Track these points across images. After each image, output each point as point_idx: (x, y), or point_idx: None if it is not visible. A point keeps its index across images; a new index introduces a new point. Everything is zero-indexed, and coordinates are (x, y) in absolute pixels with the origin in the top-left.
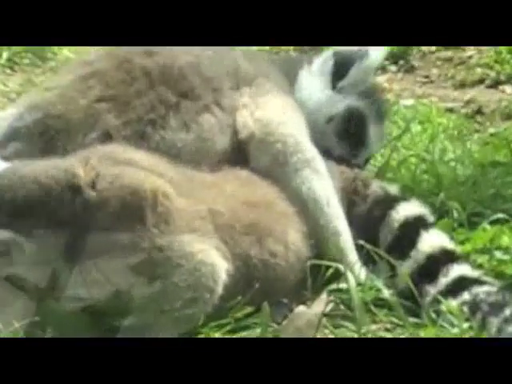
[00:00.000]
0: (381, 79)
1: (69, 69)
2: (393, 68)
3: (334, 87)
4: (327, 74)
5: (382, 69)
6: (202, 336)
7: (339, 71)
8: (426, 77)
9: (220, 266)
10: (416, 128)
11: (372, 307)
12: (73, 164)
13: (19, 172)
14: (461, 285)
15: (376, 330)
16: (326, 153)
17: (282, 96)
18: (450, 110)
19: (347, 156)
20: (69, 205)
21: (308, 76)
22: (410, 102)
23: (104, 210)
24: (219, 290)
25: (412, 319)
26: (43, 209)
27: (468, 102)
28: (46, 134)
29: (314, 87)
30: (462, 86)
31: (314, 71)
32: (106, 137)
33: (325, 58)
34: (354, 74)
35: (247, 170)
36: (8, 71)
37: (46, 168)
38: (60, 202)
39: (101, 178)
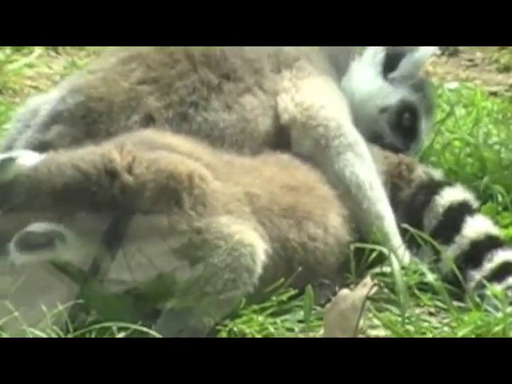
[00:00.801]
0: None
1: (112, 52)
2: (437, 51)
3: (384, 78)
4: (378, 65)
5: None
6: (244, 318)
7: (390, 63)
8: (471, 60)
9: (258, 247)
10: (460, 111)
11: (416, 291)
12: (109, 149)
13: (56, 161)
14: (505, 270)
15: (420, 313)
16: (379, 139)
17: (323, 79)
18: (494, 94)
19: (399, 146)
20: (107, 189)
21: (359, 66)
22: (454, 85)
23: (142, 193)
24: (258, 270)
25: (456, 303)
26: (83, 194)
27: None
28: (88, 117)
29: (366, 77)
30: (507, 69)
31: (365, 62)
32: (149, 119)
33: (375, 49)
34: (405, 66)
35: (288, 153)
36: (52, 54)
37: (82, 155)
38: (99, 186)
39: (137, 162)
